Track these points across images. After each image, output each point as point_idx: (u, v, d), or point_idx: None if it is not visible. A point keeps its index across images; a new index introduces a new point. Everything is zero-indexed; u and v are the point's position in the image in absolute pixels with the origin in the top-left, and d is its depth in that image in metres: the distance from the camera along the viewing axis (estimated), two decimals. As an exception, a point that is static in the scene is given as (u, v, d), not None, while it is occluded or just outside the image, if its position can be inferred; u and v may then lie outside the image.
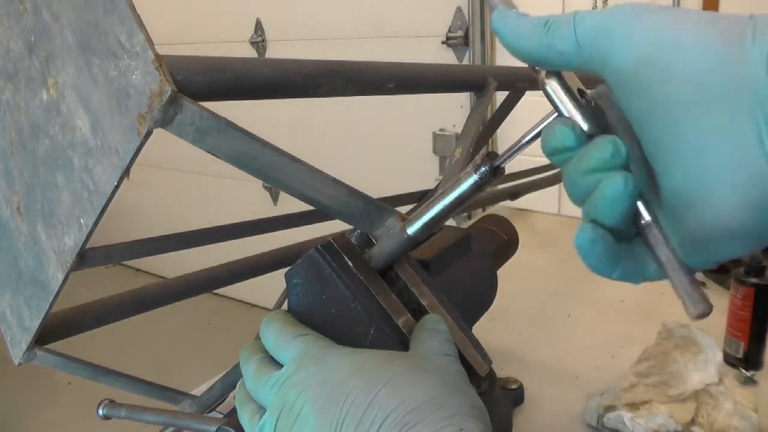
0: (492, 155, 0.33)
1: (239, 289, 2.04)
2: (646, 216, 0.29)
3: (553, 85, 0.30)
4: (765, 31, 0.24)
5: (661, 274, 0.30)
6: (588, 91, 0.31)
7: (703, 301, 0.28)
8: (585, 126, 0.29)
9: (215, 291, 2.54)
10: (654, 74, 0.26)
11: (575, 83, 0.31)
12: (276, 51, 2.45)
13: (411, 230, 0.37)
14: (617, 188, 0.27)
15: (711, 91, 0.25)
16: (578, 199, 0.29)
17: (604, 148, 0.27)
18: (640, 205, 0.28)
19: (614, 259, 0.29)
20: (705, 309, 0.28)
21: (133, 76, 0.28)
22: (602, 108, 0.30)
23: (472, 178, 0.34)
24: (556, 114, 0.30)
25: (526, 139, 0.32)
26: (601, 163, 0.27)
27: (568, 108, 0.30)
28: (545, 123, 0.32)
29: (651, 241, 0.29)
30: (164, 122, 0.27)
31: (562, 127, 0.29)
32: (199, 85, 0.37)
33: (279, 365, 0.36)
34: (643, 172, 0.29)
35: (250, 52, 2.49)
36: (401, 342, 0.37)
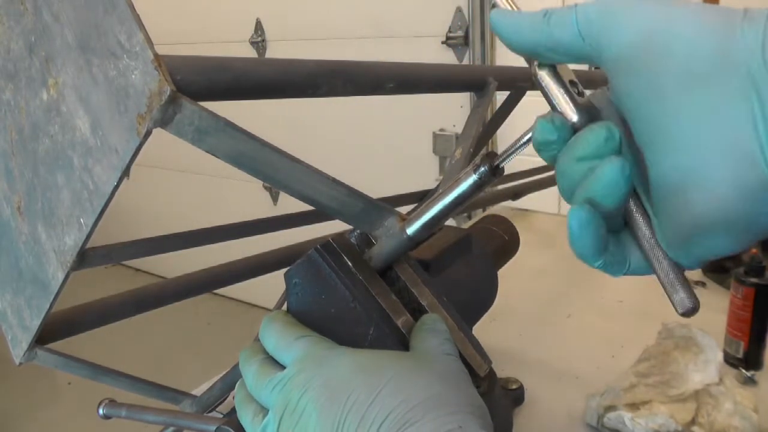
0: (491, 155, 0.33)
1: (239, 289, 2.04)
2: (635, 207, 0.29)
3: (544, 77, 0.30)
4: (759, 18, 0.24)
5: (642, 267, 0.30)
6: (581, 85, 0.31)
7: (690, 296, 0.27)
8: (575, 117, 0.29)
9: (215, 291, 2.54)
10: (649, 57, 0.26)
11: (568, 75, 0.31)
12: (276, 51, 2.44)
13: (410, 230, 0.37)
14: (615, 170, 0.26)
15: (705, 72, 0.25)
16: (569, 189, 0.29)
17: (599, 132, 0.27)
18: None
19: (602, 246, 0.29)
20: (690, 305, 0.27)
21: (133, 76, 0.28)
22: (597, 107, 0.30)
23: (472, 178, 0.34)
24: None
25: (525, 139, 0.32)
26: (596, 148, 0.27)
27: (558, 99, 0.30)
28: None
29: (638, 231, 0.29)
30: (163, 122, 0.27)
31: (543, 122, 0.29)
32: (199, 85, 0.37)
33: (280, 366, 0.36)
34: (633, 164, 0.29)
35: (250, 52, 2.49)
36: (400, 342, 0.37)
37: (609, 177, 0.27)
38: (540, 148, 0.30)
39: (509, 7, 0.31)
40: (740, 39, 0.24)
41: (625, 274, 0.31)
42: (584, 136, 0.28)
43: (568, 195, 0.29)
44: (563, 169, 0.29)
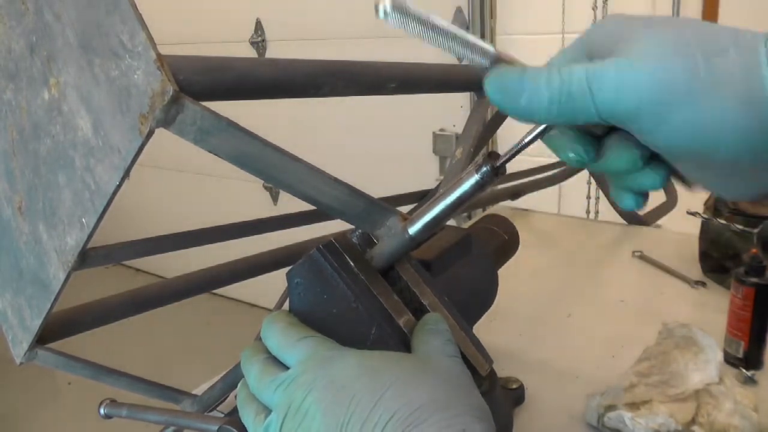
0: (493, 155, 0.33)
1: (239, 289, 2.04)
2: None
3: None
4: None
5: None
6: None
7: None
8: None
9: (215, 291, 2.54)
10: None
11: None
12: (276, 51, 2.44)
13: (412, 230, 0.37)
14: None
15: None
16: None
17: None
18: None
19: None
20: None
21: (135, 76, 0.28)
22: None
23: (474, 178, 0.34)
24: None
25: (528, 139, 0.32)
26: None
27: None
28: (546, 124, 0.32)
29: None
30: (166, 122, 0.27)
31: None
32: (201, 85, 0.37)
33: (282, 366, 0.36)
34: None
35: (250, 52, 2.49)
36: (402, 341, 0.37)
37: None
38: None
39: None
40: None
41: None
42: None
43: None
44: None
